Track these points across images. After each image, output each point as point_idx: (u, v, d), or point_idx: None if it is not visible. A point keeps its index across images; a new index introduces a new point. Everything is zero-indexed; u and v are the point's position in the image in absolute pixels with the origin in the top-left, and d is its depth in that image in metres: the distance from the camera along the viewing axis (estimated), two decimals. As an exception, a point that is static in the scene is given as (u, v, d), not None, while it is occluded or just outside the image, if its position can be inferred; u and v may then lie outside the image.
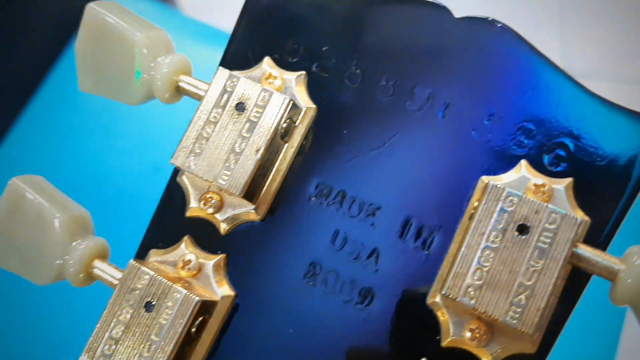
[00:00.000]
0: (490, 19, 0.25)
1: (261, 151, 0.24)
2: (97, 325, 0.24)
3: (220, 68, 0.26)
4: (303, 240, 0.26)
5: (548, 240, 0.21)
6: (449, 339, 0.23)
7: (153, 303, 0.24)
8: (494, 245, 0.22)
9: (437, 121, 0.25)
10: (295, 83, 0.26)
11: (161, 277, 0.24)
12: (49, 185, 0.28)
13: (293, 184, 0.26)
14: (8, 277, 0.29)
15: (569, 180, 0.23)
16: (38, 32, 0.82)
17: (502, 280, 0.21)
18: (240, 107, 0.25)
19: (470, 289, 0.21)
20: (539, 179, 0.23)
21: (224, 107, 0.25)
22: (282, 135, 0.25)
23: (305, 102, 0.26)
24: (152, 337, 0.24)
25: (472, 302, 0.21)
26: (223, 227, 0.26)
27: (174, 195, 0.27)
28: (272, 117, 0.25)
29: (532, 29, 0.25)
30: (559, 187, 0.23)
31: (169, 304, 0.24)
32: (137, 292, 0.24)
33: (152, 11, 0.78)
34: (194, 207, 0.26)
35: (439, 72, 0.25)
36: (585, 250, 0.21)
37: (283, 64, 0.27)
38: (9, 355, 0.60)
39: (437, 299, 0.23)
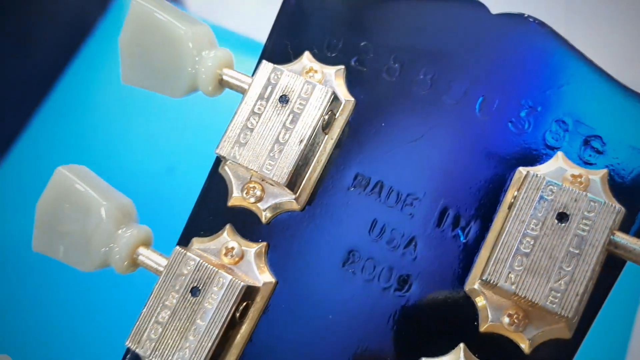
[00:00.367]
0: (525, 15, 0.26)
1: (305, 141, 0.25)
2: (143, 310, 0.25)
3: (264, 61, 0.26)
4: (342, 229, 0.26)
5: (587, 228, 0.22)
6: (487, 325, 0.24)
7: (199, 288, 0.25)
8: (534, 233, 0.22)
9: (474, 114, 0.26)
10: (334, 77, 0.27)
11: (207, 263, 0.25)
12: (93, 174, 0.28)
13: (332, 174, 0.27)
14: (55, 266, 0.30)
15: (604, 171, 0.24)
16: (50, 36, 0.83)
17: (542, 266, 0.22)
18: (284, 99, 0.26)
19: (511, 275, 0.22)
20: (575, 170, 0.24)
21: (267, 99, 0.26)
22: (323, 127, 0.26)
23: (344, 95, 0.27)
24: (198, 321, 0.24)
25: (513, 287, 0.22)
26: (265, 216, 0.27)
27: (215, 185, 0.28)
28: (315, 108, 0.25)
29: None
30: (595, 178, 0.24)
31: (215, 289, 0.25)
32: (183, 277, 0.25)
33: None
34: (237, 197, 0.27)
35: (475, 66, 0.26)
36: (622, 238, 0.22)
37: (322, 58, 0.28)
38: (57, 340, 0.62)
39: (476, 285, 0.24)
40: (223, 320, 0.24)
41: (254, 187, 0.27)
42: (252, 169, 0.26)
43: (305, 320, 0.26)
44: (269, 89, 0.26)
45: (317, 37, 0.28)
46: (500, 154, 0.25)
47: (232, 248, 0.26)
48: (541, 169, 0.24)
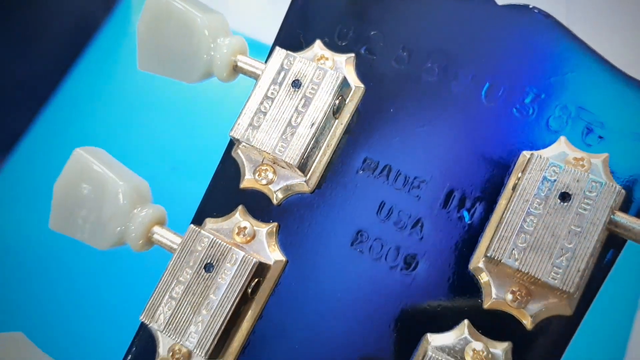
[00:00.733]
0: (530, 6, 0.27)
1: (316, 125, 0.26)
2: (158, 285, 0.26)
3: (277, 48, 0.27)
4: (350, 210, 0.27)
5: (588, 207, 0.23)
6: (491, 301, 0.24)
7: (213, 264, 0.26)
8: (537, 212, 0.23)
9: (480, 100, 0.27)
10: (345, 64, 0.28)
11: (220, 240, 0.26)
12: (109, 156, 0.29)
13: (342, 158, 0.28)
14: (72, 245, 0.30)
15: (605, 155, 0.25)
16: (55, 37, 0.84)
17: (544, 244, 0.23)
18: (296, 83, 0.27)
19: (514, 252, 0.23)
20: (578, 153, 0.25)
21: (280, 84, 0.27)
22: (334, 111, 0.27)
23: (354, 81, 0.28)
24: (211, 296, 0.25)
25: (517, 263, 0.23)
26: (276, 198, 0.28)
27: (228, 168, 0.29)
28: (326, 93, 0.26)
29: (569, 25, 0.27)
30: (596, 161, 0.25)
31: (228, 265, 0.25)
32: (197, 254, 0.26)
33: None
34: (249, 179, 0.28)
35: (482, 55, 0.27)
36: (622, 217, 0.23)
37: (333, 47, 0.29)
38: (72, 318, 0.63)
39: (480, 263, 0.25)
40: (235, 295, 0.25)
41: (266, 170, 0.28)
42: (265, 151, 0.27)
43: (314, 298, 0.27)
44: (282, 74, 0.27)
45: (328, 27, 0.29)
46: (505, 138, 0.26)
47: (245, 227, 0.27)
48: (544, 153, 0.25)
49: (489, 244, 0.23)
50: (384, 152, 0.28)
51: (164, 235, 0.27)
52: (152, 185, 0.30)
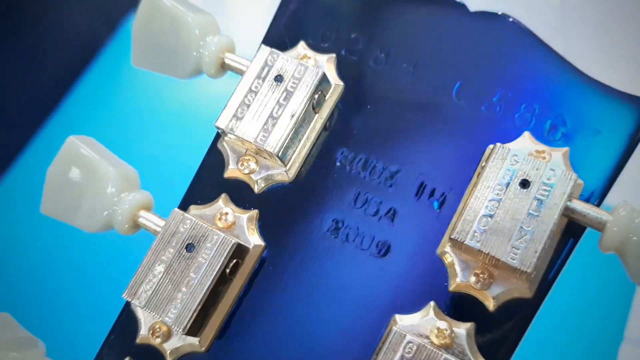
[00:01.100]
0: (501, 13, 0.29)
1: (296, 116, 0.28)
2: (141, 264, 0.27)
3: (263, 45, 0.29)
4: (327, 199, 0.29)
5: (546, 193, 0.24)
6: (455, 284, 0.26)
7: (194, 244, 0.27)
8: (499, 197, 0.25)
9: (451, 99, 0.29)
10: (326, 63, 0.30)
11: (202, 223, 0.27)
12: (101, 145, 0.31)
13: (321, 151, 0.29)
14: (61, 228, 0.32)
15: (566, 149, 0.26)
16: (61, 54, 0.87)
17: (505, 227, 0.24)
18: (278, 78, 0.29)
19: (476, 234, 0.24)
20: (540, 146, 0.26)
21: (264, 79, 0.29)
22: (314, 105, 0.29)
23: (334, 79, 0.30)
24: (191, 274, 0.27)
25: (478, 244, 0.24)
26: (258, 186, 0.29)
27: (213, 159, 0.30)
28: (306, 86, 0.28)
29: (534, 29, 0.29)
30: (557, 154, 0.26)
31: (208, 245, 0.27)
32: (180, 235, 0.27)
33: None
34: (233, 169, 0.30)
35: (454, 56, 0.29)
36: (578, 204, 0.24)
37: (316, 48, 0.31)
38: (58, 298, 0.65)
39: (446, 247, 0.26)
40: (214, 273, 0.26)
41: (249, 160, 0.29)
42: (247, 140, 0.28)
43: (290, 282, 0.28)
44: (266, 69, 0.29)
45: (312, 30, 0.31)
46: (474, 134, 0.28)
47: (226, 213, 0.29)
48: (509, 146, 0.27)
49: (453, 228, 0.25)
50: (361, 145, 0.29)
51: (149, 218, 0.29)
52: (142, 177, 0.31)
